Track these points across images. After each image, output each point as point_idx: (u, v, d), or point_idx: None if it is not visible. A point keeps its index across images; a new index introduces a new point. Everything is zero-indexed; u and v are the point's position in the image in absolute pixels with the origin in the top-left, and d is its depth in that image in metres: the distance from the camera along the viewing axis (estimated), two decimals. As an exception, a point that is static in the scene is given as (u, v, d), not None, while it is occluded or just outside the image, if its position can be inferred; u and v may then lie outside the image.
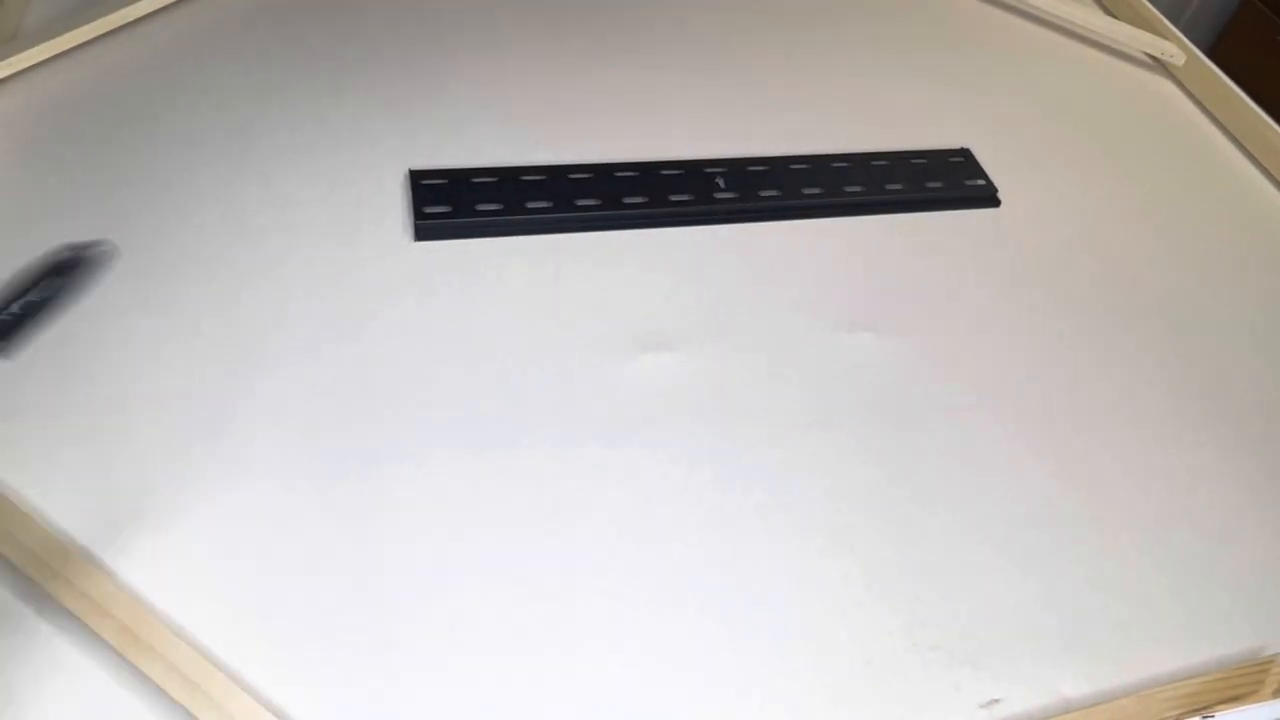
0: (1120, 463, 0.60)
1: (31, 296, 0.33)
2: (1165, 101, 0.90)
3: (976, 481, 0.57)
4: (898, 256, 0.70)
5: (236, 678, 0.44)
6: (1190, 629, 0.53)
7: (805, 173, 0.74)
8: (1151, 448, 0.61)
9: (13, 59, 0.70)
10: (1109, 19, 0.95)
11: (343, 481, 0.52)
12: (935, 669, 0.49)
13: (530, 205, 0.67)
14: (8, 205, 0.62)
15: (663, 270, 0.66)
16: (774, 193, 0.72)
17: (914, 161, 0.76)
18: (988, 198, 0.75)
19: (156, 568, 0.47)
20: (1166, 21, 0.94)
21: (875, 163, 0.76)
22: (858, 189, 0.73)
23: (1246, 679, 0.51)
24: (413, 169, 0.69)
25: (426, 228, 0.65)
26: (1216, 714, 0.49)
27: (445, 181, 0.68)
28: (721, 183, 0.72)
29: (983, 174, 0.77)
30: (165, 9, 0.78)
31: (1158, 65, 0.93)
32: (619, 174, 0.71)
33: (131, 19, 0.76)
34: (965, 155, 0.78)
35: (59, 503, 0.49)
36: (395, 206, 0.67)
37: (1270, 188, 0.82)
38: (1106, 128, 0.85)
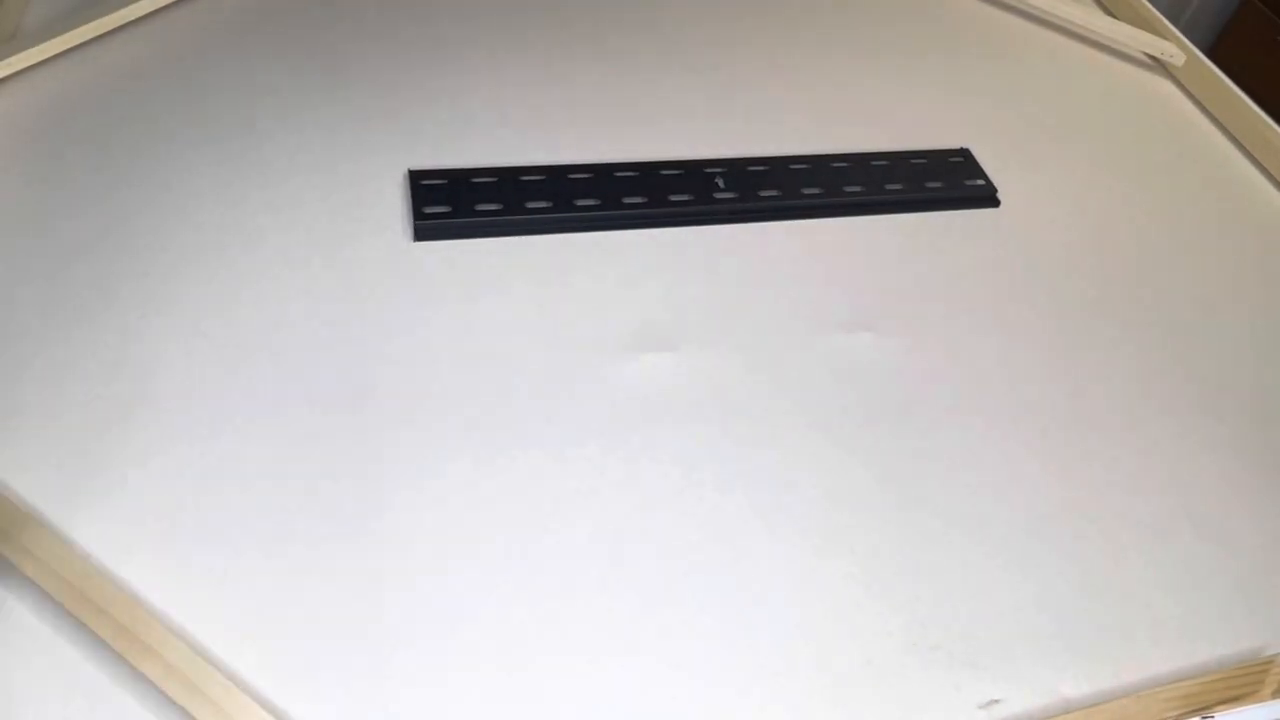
0: (1119, 462, 0.60)
1: None
2: (1165, 101, 0.90)
3: (976, 481, 0.57)
4: (898, 256, 0.70)
5: (236, 678, 0.44)
6: (1190, 629, 0.53)
7: (805, 173, 0.74)
8: (1151, 447, 0.61)
9: (13, 59, 0.70)
10: (1109, 19, 0.95)
11: (342, 481, 0.52)
12: (935, 669, 0.49)
13: (530, 205, 0.67)
14: (8, 205, 0.62)
15: (663, 270, 0.66)
16: (774, 193, 0.72)
17: (914, 161, 0.76)
18: (987, 198, 0.75)
19: (156, 568, 0.47)
20: (1166, 21, 0.94)
21: (875, 163, 0.76)
22: (857, 189, 0.73)
23: (1246, 679, 0.51)
24: (412, 169, 0.69)
25: (426, 228, 0.65)
26: (1216, 714, 0.49)
27: (445, 182, 0.68)
28: (721, 183, 0.72)
29: (982, 174, 0.77)
30: (165, 9, 0.78)
31: (1158, 65, 0.93)
32: (619, 174, 0.71)
33: (131, 19, 0.76)
34: (965, 155, 0.78)
35: (58, 503, 0.49)
36: (395, 207, 0.67)
37: (1270, 188, 0.82)
38: (1106, 128, 0.85)
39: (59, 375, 0.54)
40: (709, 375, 0.60)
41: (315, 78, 0.75)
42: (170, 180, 0.66)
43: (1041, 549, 0.55)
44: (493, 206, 0.67)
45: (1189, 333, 0.68)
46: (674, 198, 0.70)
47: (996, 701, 0.49)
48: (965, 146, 0.79)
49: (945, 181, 0.75)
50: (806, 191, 0.72)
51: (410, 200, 0.66)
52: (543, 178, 0.69)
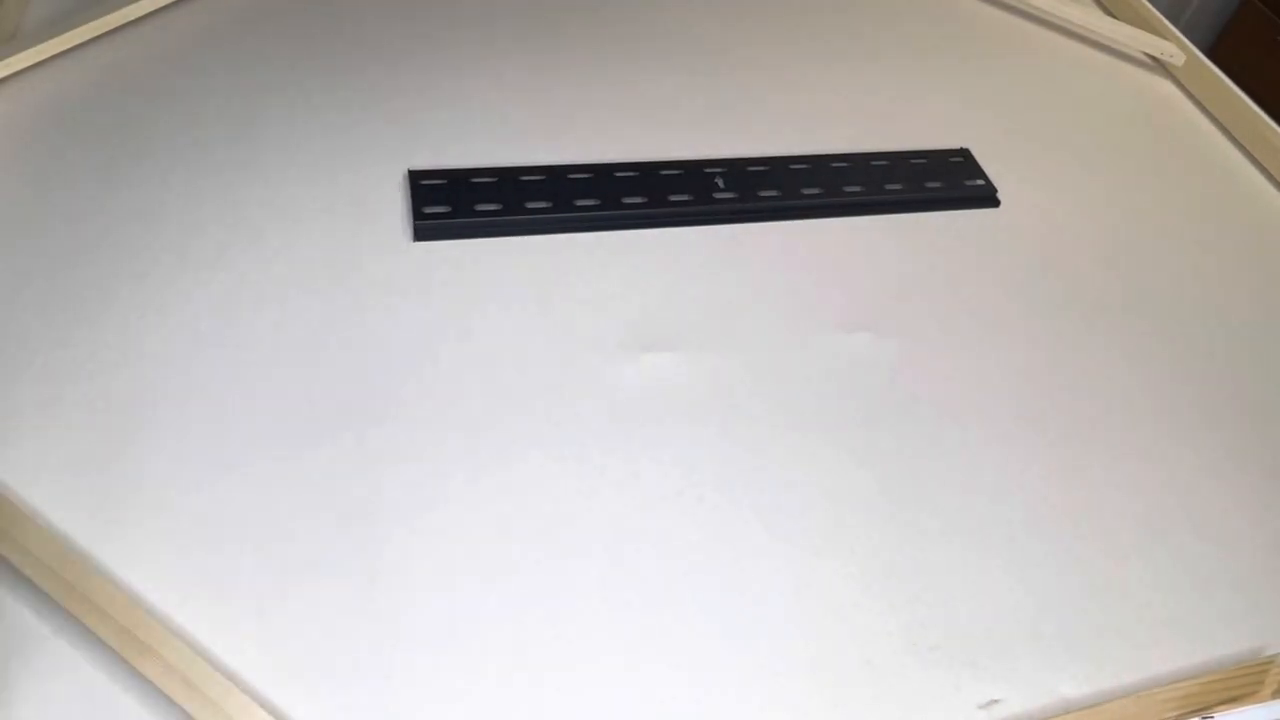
0: (1118, 462, 0.60)
1: None
2: (1165, 102, 0.90)
3: (976, 481, 0.57)
4: (897, 256, 0.70)
5: (236, 678, 0.44)
6: (1190, 629, 0.53)
7: (805, 173, 0.74)
8: (1150, 447, 0.61)
9: (13, 59, 0.70)
10: (1109, 19, 0.95)
11: (342, 481, 0.52)
12: (935, 669, 0.49)
13: (529, 205, 0.67)
14: (8, 205, 0.62)
15: (663, 270, 0.66)
16: (773, 193, 0.72)
17: (913, 161, 0.76)
18: (987, 198, 0.75)
19: (156, 568, 0.47)
20: (1166, 21, 0.94)
21: (875, 163, 0.76)
22: (857, 189, 0.73)
23: (1246, 679, 0.51)
24: (412, 169, 0.69)
25: (426, 228, 0.65)
26: (1216, 714, 0.49)
27: (444, 182, 0.68)
28: (721, 183, 0.72)
29: (982, 174, 0.77)
30: (165, 9, 0.78)
31: (1158, 65, 0.93)
32: (618, 174, 0.71)
33: (131, 19, 0.76)
34: (965, 155, 0.78)
35: (58, 503, 0.49)
36: (394, 207, 0.67)
37: (1270, 188, 0.82)
38: (1106, 128, 0.85)
39: (59, 376, 0.54)
40: (709, 375, 0.60)
41: (315, 78, 0.75)
42: (170, 180, 0.66)
43: (1041, 549, 0.55)
44: (493, 206, 0.67)
45: (1188, 332, 0.68)
46: (674, 198, 0.70)
47: (996, 701, 0.49)
48: (965, 146, 0.79)
49: (945, 181, 0.75)
50: (806, 191, 0.72)
51: (410, 200, 0.66)
52: (543, 178, 0.69)
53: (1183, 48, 0.91)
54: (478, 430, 0.55)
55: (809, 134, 0.78)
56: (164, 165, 0.66)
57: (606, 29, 0.85)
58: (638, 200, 0.69)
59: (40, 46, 0.71)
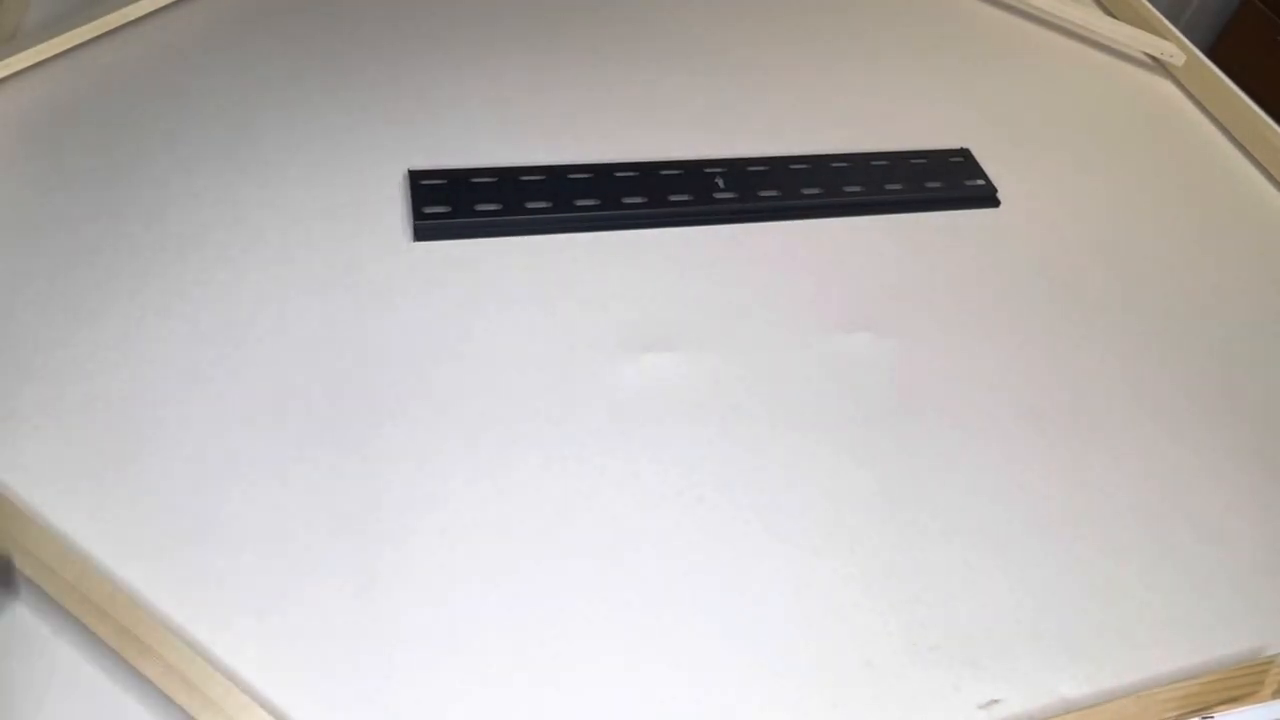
0: (1118, 462, 0.60)
1: None
2: (1165, 101, 0.90)
3: (976, 481, 0.57)
4: (897, 256, 0.70)
5: (236, 678, 0.44)
6: (1190, 629, 0.53)
7: (805, 173, 0.74)
8: (1150, 447, 0.61)
9: (13, 59, 0.70)
10: (1109, 19, 0.95)
11: (342, 481, 0.52)
12: (935, 669, 0.49)
13: (529, 205, 0.67)
14: (7, 205, 0.62)
15: (663, 270, 0.66)
16: (774, 193, 0.72)
17: (914, 161, 0.76)
18: (987, 198, 0.75)
19: (156, 568, 0.47)
20: (1166, 22, 0.94)
21: (875, 163, 0.76)
22: (857, 189, 0.73)
23: (1246, 679, 0.51)
24: (412, 169, 0.69)
25: (426, 228, 0.65)
26: (1216, 714, 0.49)
27: (444, 182, 0.68)
28: (721, 183, 0.72)
29: (982, 174, 0.77)
30: (165, 9, 0.78)
31: (1158, 65, 0.93)
32: (618, 174, 0.71)
33: (131, 19, 0.76)
34: (965, 155, 0.78)
35: (58, 503, 0.49)
36: (394, 206, 0.67)
37: (1270, 188, 0.82)
38: (1106, 128, 0.85)
39: (59, 375, 0.54)
40: (709, 375, 0.60)
41: (315, 77, 0.75)
42: (170, 180, 0.66)
43: (1041, 549, 0.55)
44: (493, 206, 0.67)
45: (1188, 332, 0.68)
46: (674, 198, 0.70)
47: (996, 701, 0.49)
48: (965, 146, 0.79)
49: (945, 181, 0.75)
50: (806, 191, 0.72)
51: (410, 200, 0.66)
52: (543, 178, 0.69)
53: (1183, 48, 0.91)
54: (478, 430, 0.55)
55: (809, 134, 0.78)
56: (164, 165, 0.66)
57: (606, 29, 0.85)
58: (638, 200, 0.69)
59: (40, 46, 0.71)
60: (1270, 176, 0.83)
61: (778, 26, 0.88)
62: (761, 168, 0.73)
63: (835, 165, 0.75)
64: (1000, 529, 0.55)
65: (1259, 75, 1.17)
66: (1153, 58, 0.93)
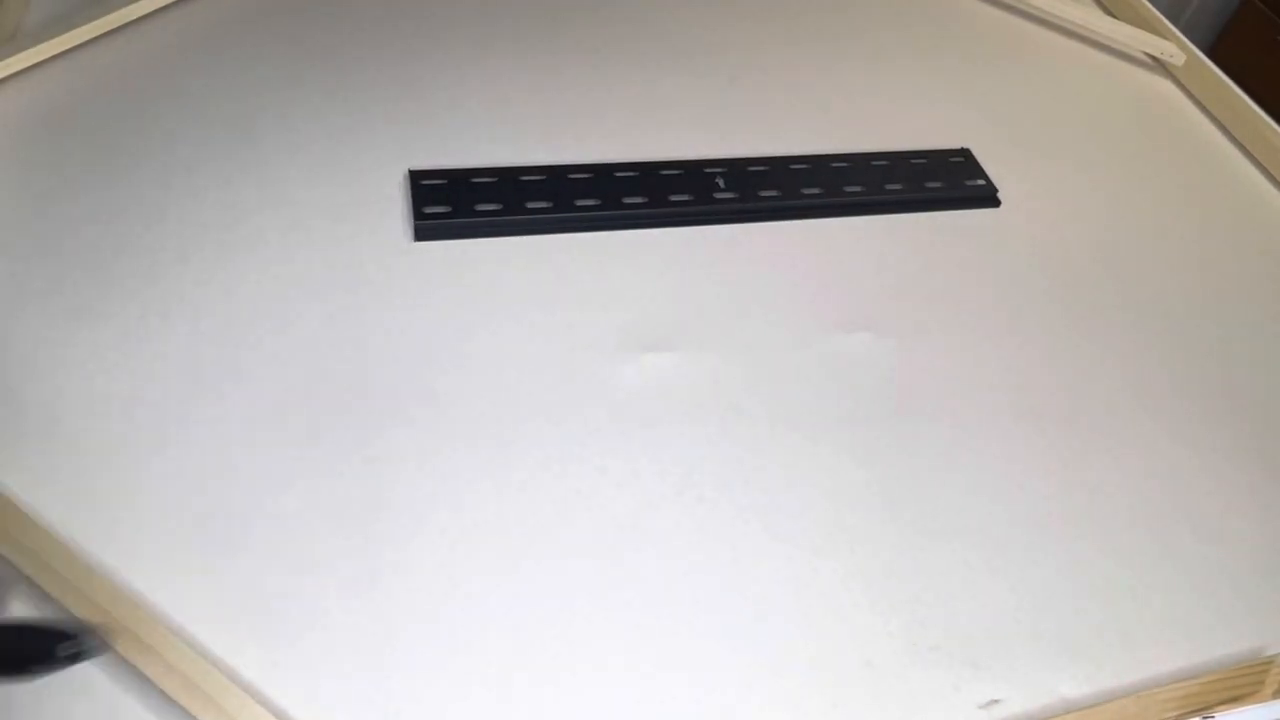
0: (1118, 462, 0.60)
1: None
2: (1165, 101, 0.90)
3: (976, 481, 0.57)
4: (897, 256, 0.70)
5: (236, 677, 0.44)
6: (1190, 629, 0.53)
7: (805, 173, 0.74)
8: (1150, 447, 0.61)
9: (13, 59, 0.70)
10: (1109, 19, 0.95)
11: (343, 481, 0.52)
12: (935, 669, 0.49)
13: (530, 205, 0.67)
14: (7, 205, 0.62)
15: (663, 270, 0.66)
16: (774, 193, 0.72)
17: (914, 161, 0.76)
18: (988, 198, 0.75)
19: (156, 568, 0.47)
20: (1166, 21, 0.94)
21: (875, 163, 0.76)
22: (857, 189, 0.73)
23: (1246, 679, 0.51)
24: (412, 169, 0.69)
25: (426, 228, 0.65)
26: (1216, 714, 0.49)
27: (445, 182, 0.68)
28: (721, 183, 0.72)
29: (983, 174, 0.77)
30: (165, 9, 0.78)
31: (1158, 65, 0.93)
32: (619, 174, 0.71)
33: (131, 19, 0.76)
34: (965, 155, 0.78)
35: (59, 504, 0.49)
36: (395, 206, 0.67)
37: (1270, 188, 0.82)
38: (1106, 128, 0.85)
39: (59, 375, 0.54)
40: (709, 375, 0.60)
41: (315, 78, 0.75)
42: (170, 180, 0.66)
43: (1041, 549, 0.55)
44: (493, 206, 0.67)
45: (1188, 333, 0.68)
46: (674, 198, 0.70)
47: (996, 701, 0.49)
48: (965, 146, 0.79)
49: (945, 181, 0.75)
50: (806, 191, 0.72)
51: (410, 200, 0.66)
52: (543, 178, 0.69)
53: (1183, 48, 0.91)
54: (478, 430, 0.55)
55: (809, 134, 0.78)
56: (164, 165, 0.66)
57: (606, 29, 0.85)
58: (638, 200, 0.69)
59: (40, 47, 0.71)
60: (1270, 176, 0.83)
61: (778, 26, 0.88)
62: (762, 168, 0.73)
63: (835, 165, 0.75)
64: (1000, 529, 0.55)
65: (1259, 75, 1.17)
66: (1153, 58, 0.93)
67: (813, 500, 0.55)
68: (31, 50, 0.71)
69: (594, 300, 0.63)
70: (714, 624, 0.49)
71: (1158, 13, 0.95)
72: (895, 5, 0.94)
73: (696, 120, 0.77)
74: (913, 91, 0.84)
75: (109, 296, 0.58)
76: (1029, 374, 0.64)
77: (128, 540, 0.48)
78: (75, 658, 0.29)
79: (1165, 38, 0.92)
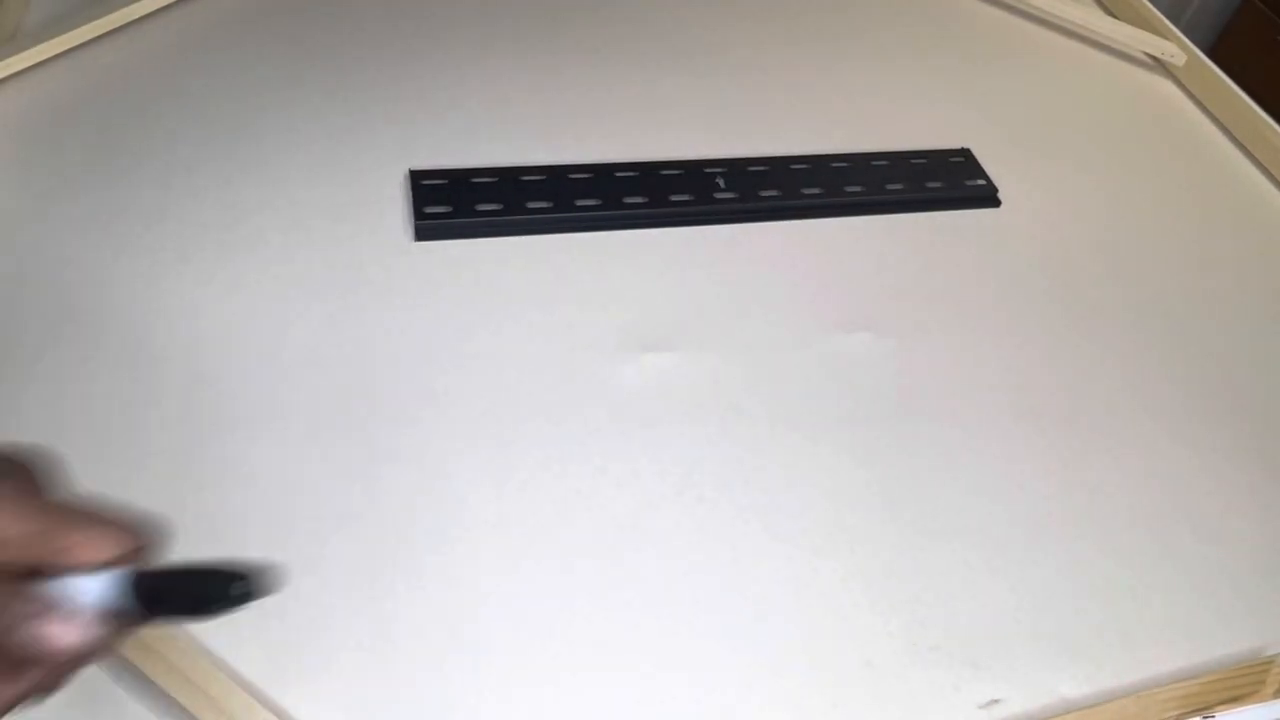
0: (1119, 462, 0.60)
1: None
2: (1165, 101, 0.90)
3: (976, 481, 0.57)
4: (897, 256, 0.70)
5: (236, 678, 0.44)
6: (1190, 629, 0.53)
7: (805, 173, 0.74)
8: (1150, 447, 0.61)
9: (12, 59, 0.70)
10: (1109, 19, 0.95)
11: (343, 481, 0.52)
12: (935, 669, 0.49)
13: (530, 205, 0.67)
14: (7, 205, 0.62)
15: (663, 270, 0.66)
16: (774, 193, 0.72)
17: (914, 161, 0.76)
18: (988, 198, 0.75)
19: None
20: (1167, 21, 0.94)
21: (875, 163, 0.76)
22: (858, 189, 0.73)
23: (1246, 679, 0.51)
24: (413, 169, 0.69)
25: (426, 228, 0.65)
26: (1217, 714, 0.49)
27: (445, 182, 0.68)
28: (721, 183, 0.72)
29: (983, 174, 0.77)
30: (165, 9, 0.78)
31: (1158, 65, 0.93)
32: (619, 174, 0.71)
33: (131, 19, 0.76)
34: (965, 155, 0.78)
35: (59, 503, 0.49)
36: (395, 206, 0.67)
37: (1270, 188, 0.82)
38: (1107, 128, 0.85)
39: (59, 376, 0.54)
40: (709, 375, 0.60)
41: (315, 77, 0.75)
42: (170, 180, 0.66)
43: (1041, 549, 0.55)
44: (493, 206, 0.67)
45: (1189, 333, 0.68)
46: (674, 198, 0.70)
47: (996, 701, 0.49)
48: (965, 146, 0.79)
49: (945, 181, 0.75)
50: (807, 191, 0.72)
51: (410, 200, 0.66)
52: (543, 178, 0.69)
53: (1183, 48, 0.91)
54: (478, 430, 0.55)
55: (809, 134, 0.78)
56: (165, 165, 0.66)
57: (606, 29, 0.85)
58: (638, 200, 0.69)
59: (40, 47, 0.71)
60: (1270, 176, 0.83)
61: (778, 26, 0.89)
62: (762, 168, 0.73)
63: (836, 165, 0.75)
64: (1000, 529, 0.55)
65: (1259, 75, 1.16)
66: (1153, 58, 0.93)
67: (813, 500, 0.55)
68: (31, 50, 0.71)
69: (594, 300, 0.63)
70: (714, 624, 0.49)
71: (1158, 13, 0.95)
72: (895, 5, 0.94)
73: (696, 120, 0.77)
74: (913, 91, 0.84)
75: (109, 296, 0.58)
76: (1029, 374, 0.64)
77: (128, 540, 0.48)
78: (247, 596, 0.32)
79: (1165, 38, 0.92)
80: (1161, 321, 0.69)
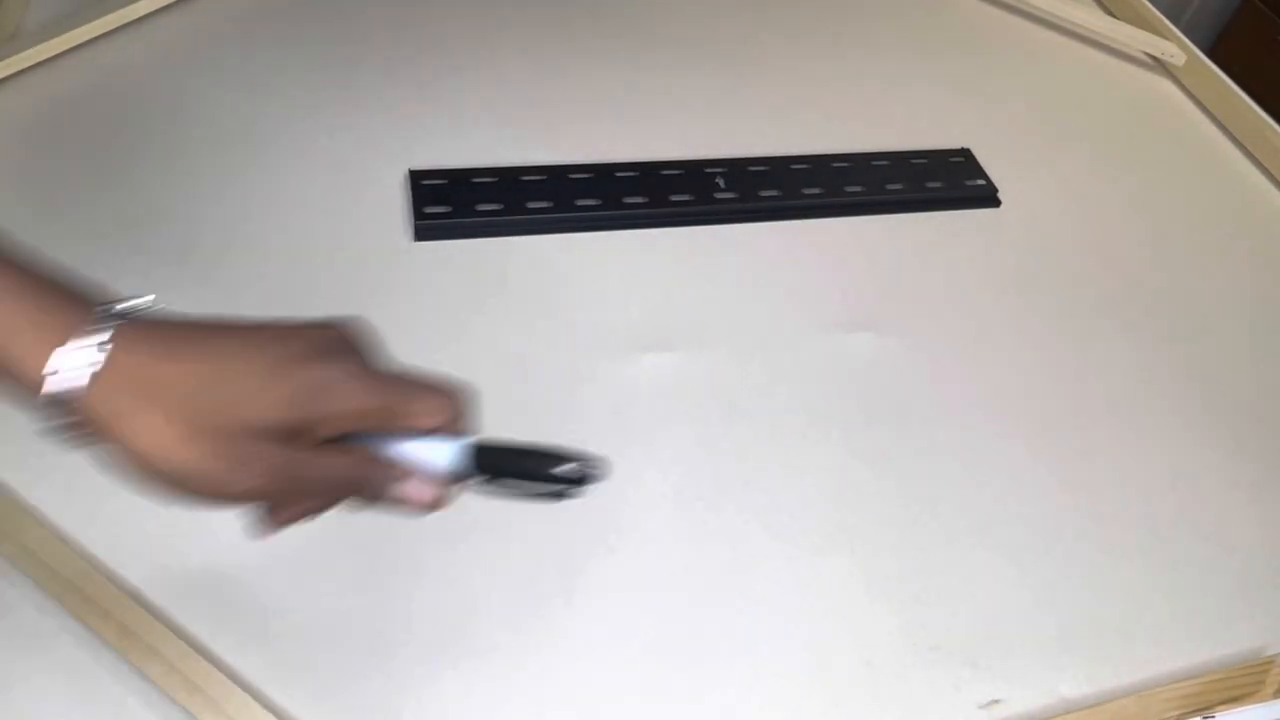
0: (1119, 462, 0.60)
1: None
2: (1165, 101, 0.90)
3: (976, 481, 0.57)
4: (898, 256, 0.70)
5: (236, 678, 0.44)
6: (1190, 629, 0.53)
7: (805, 173, 0.74)
8: (1151, 447, 0.61)
9: (12, 59, 0.70)
10: (1109, 19, 0.95)
11: (343, 482, 0.52)
12: (935, 669, 0.49)
13: (530, 205, 0.67)
14: (8, 205, 0.62)
15: (663, 270, 0.66)
16: (774, 193, 0.72)
17: (914, 161, 0.76)
18: (988, 198, 0.75)
19: (156, 568, 0.47)
20: (1166, 21, 0.94)
21: (875, 163, 0.76)
22: (858, 189, 0.73)
23: (1246, 679, 0.51)
24: (413, 169, 0.69)
25: (426, 228, 0.65)
26: (1217, 714, 0.49)
27: (445, 181, 0.68)
28: (721, 183, 0.72)
29: (983, 174, 0.77)
30: (165, 9, 0.78)
31: (1158, 65, 0.93)
32: (619, 174, 0.71)
33: (131, 19, 0.76)
34: (965, 155, 0.78)
35: (59, 504, 0.49)
36: (395, 206, 0.67)
37: (1270, 188, 0.82)
38: (1107, 128, 0.85)
39: (59, 375, 0.54)
40: (709, 375, 0.60)
41: (315, 77, 0.75)
42: (170, 181, 0.66)
43: (1042, 549, 0.55)
44: (493, 206, 0.67)
45: (1189, 333, 0.68)
46: (674, 198, 0.70)
47: (996, 701, 0.49)
48: (965, 146, 0.79)
49: (945, 181, 0.75)
50: (807, 191, 0.72)
51: (410, 200, 0.66)
52: (543, 178, 0.69)
53: (1183, 48, 0.91)
54: (476, 430, 0.55)
55: (810, 134, 0.78)
56: (164, 165, 0.66)
57: (607, 28, 0.85)
58: (638, 200, 0.69)
59: (40, 46, 0.71)
60: (1270, 176, 0.83)
61: (778, 26, 0.88)
62: (762, 168, 0.73)
63: (836, 165, 0.75)
64: (1000, 528, 0.55)
65: (1259, 75, 1.16)
66: (1153, 58, 0.93)
67: (813, 500, 0.55)
68: (32, 50, 0.71)
69: (594, 300, 0.63)
70: (714, 624, 0.49)
71: (1158, 13, 0.95)
72: (896, 6, 0.94)
73: (696, 120, 0.77)
74: (913, 91, 0.84)
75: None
76: (1029, 374, 0.64)
77: (127, 540, 0.48)
78: (581, 480, 0.36)
79: (1165, 38, 0.92)
80: (1160, 321, 0.69)
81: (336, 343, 0.35)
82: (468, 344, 0.59)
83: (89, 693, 0.43)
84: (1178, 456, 0.61)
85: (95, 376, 0.31)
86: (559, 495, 0.36)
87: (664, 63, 0.82)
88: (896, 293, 0.67)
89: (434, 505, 0.36)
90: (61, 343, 0.31)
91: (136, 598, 0.46)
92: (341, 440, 0.34)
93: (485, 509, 0.52)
